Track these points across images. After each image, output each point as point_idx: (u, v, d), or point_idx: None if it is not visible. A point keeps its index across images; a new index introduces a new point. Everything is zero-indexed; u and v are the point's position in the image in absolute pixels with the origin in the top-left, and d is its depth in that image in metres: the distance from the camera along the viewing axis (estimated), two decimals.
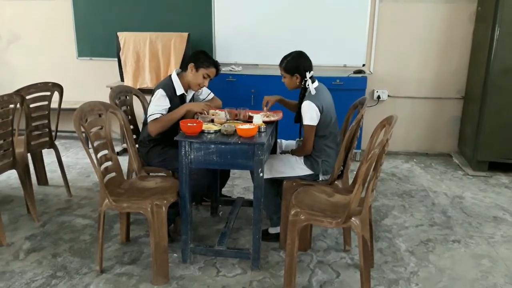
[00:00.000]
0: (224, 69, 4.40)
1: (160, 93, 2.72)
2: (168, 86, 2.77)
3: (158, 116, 2.68)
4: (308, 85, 2.60)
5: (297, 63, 2.64)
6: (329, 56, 4.46)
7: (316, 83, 2.66)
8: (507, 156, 4.07)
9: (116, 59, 4.43)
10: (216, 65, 2.82)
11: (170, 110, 2.74)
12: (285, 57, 2.70)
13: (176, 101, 2.79)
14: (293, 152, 2.74)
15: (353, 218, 2.07)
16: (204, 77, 2.79)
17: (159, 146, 2.80)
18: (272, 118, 2.76)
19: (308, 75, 2.61)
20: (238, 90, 4.20)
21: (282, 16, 4.45)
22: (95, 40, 4.74)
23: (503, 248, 2.81)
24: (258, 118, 2.58)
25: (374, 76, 4.53)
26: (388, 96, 4.59)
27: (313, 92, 2.58)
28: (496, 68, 3.88)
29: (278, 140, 3.01)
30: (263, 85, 4.19)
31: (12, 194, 3.51)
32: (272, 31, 4.48)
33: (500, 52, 3.83)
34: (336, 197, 2.39)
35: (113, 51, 4.44)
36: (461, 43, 4.41)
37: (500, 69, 3.87)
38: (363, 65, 4.51)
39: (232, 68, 4.40)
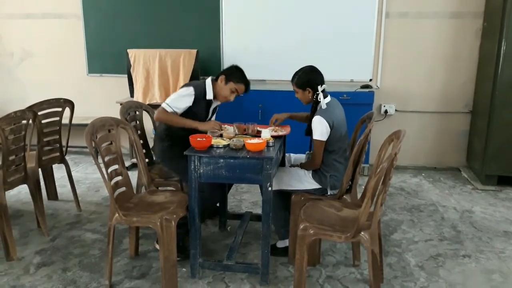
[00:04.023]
0: None
1: (189, 91, 2.74)
2: (200, 88, 2.79)
3: (170, 110, 2.72)
4: (320, 99, 2.62)
5: (308, 77, 2.67)
6: (336, 71, 4.49)
7: (329, 98, 2.67)
8: None
9: (126, 75, 4.50)
10: (246, 82, 2.82)
11: (192, 110, 2.76)
12: (296, 73, 2.73)
13: (203, 104, 2.81)
14: (302, 166, 2.75)
15: (362, 233, 2.07)
16: (232, 91, 2.80)
17: (177, 147, 2.71)
18: (280, 133, 2.79)
19: (320, 88, 2.63)
20: (246, 105, 4.24)
21: (289, 32, 4.50)
22: (105, 57, 4.83)
23: None
24: (267, 133, 2.61)
25: (381, 90, 4.56)
26: (396, 110, 4.60)
27: (324, 106, 2.60)
28: (504, 82, 3.88)
29: (287, 154, 3.03)
30: (271, 100, 4.23)
31: (22, 209, 3.54)
32: (279, 47, 4.53)
33: (506, 67, 3.85)
34: (344, 212, 2.39)
35: (123, 67, 4.51)
36: (467, 57, 4.43)
37: (507, 83, 3.88)
38: (370, 79, 4.54)
39: None
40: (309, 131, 2.68)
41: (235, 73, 2.81)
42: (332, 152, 2.63)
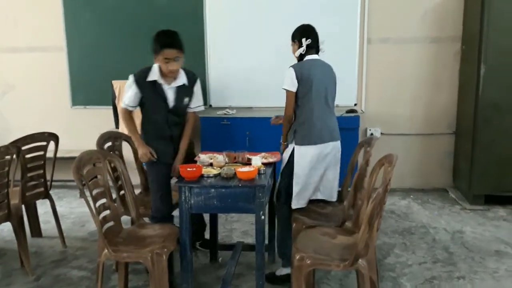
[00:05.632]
0: (218, 113, 4.46)
1: (129, 80, 2.70)
2: (141, 72, 2.69)
3: (124, 106, 2.76)
4: (302, 51, 2.75)
5: (298, 30, 2.82)
6: None
7: (315, 56, 2.79)
8: (502, 188, 4.10)
9: (111, 107, 4.46)
10: (167, 44, 2.56)
11: (146, 98, 2.71)
12: None
13: (149, 87, 2.68)
14: (281, 120, 2.86)
15: (360, 260, 2.04)
16: (164, 62, 2.58)
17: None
18: (271, 160, 2.78)
19: (304, 42, 2.74)
20: (233, 133, 4.23)
21: (274, 59, 4.52)
22: (89, 89, 4.79)
23: (509, 282, 2.77)
24: (257, 160, 2.60)
25: (366, 114, 4.61)
26: (381, 133, 4.65)
27: (303, 53, 2.77)
28: (485, 103, 3.97)
29: None
30: (258, 128, 4.22)
31: (5, 247, 3.41)
32: (265, 73, 4.55)
33: (487, 88, 3.94)
34: (339, 239, 2.36)
35: (107, 99, 4.47)
36: (448, 80, 4.54)
37: (488, 104, 3.96)
38: (355, 104, 4.59)
39: (227, 111, 4.45)
40: None
41: (155, 43, 2.61)
42: (300, 106, 2.73)
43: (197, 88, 2.88)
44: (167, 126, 2.77)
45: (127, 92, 2.72)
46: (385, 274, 2.89)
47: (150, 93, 2.70)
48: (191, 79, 2.82)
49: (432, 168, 4.73)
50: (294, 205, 2.75)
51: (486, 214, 3.98)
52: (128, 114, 2.80)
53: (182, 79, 2.76)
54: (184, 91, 2.78)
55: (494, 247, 3.29)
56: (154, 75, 2.67)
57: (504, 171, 4.04)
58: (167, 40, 2.59)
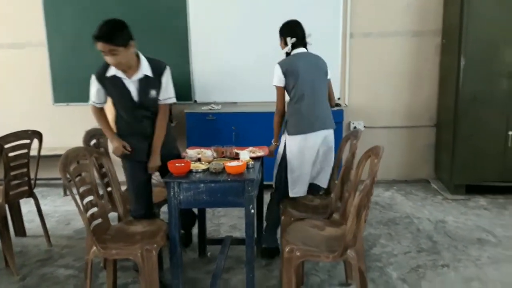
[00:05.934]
0: (203, 108, 4.46)
1: (92, 77, 2.60)
2: (101, 67, 2.57)
3: (91, 103, 2.68)
4: (288, 49, 2.83)
5: (284, 27, 2.88)
6: None
7: (301, 50, 2.84)
8: (482, 178, 4.21)
9: None
10: (95, 36, 2.36)
11: (107, 92, 2.60)
12: None
13: (109, 82, 2.56)
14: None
15: (348, 251, 2.07)
16: (103, 54, 2.44)
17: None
18: (258, 154, 2.80)
19: (289, 41, 2.80)
20: (219, 128, 4.23)
21: (258, 54, 4.53)
22: (72, 85, 4.71)
23: (491, 269, 2.85)
24: (245, 154, 2.61)
25: (349, 108, 4.67)
26: (364, 127, 4.71)
27: (289, 51, 2.84)
28: (465, 96, 4.06)
29: None
30: (243, 122, 4.25)
31: None
32: (249, 69, 4.56)
33: (467, 81, 4.03)
34: (327, 230, 2.39)
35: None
36: (429, 73, 4.63)
37: (468, 96, 4.05)
38: (339, 98, 4.64)
39: (212, 107, 4.45)
40: None
41: None
42: (291, 99, 2.81)
43: (166, 78, 2.63)
44: (136, 121, 2.64)
45: (91, 89, 2.63)
46: (372, 264, 2.95)
47: (112, 88, 2.58)
48: (157, 70, 2.58)
49: (414, 159, 4.83)
50: (291, 194, 2.82)
51: (467, 203, 4.09)
52: (98, 110, 2.70)
53: (143, 71, 2.55)
54: (149, 83, 2.57)
55: (476, 235, 3.38)
56: (112, 69, 2.52)
57: (484, 162, 4.15)
58: (96, 32, 2.36)
